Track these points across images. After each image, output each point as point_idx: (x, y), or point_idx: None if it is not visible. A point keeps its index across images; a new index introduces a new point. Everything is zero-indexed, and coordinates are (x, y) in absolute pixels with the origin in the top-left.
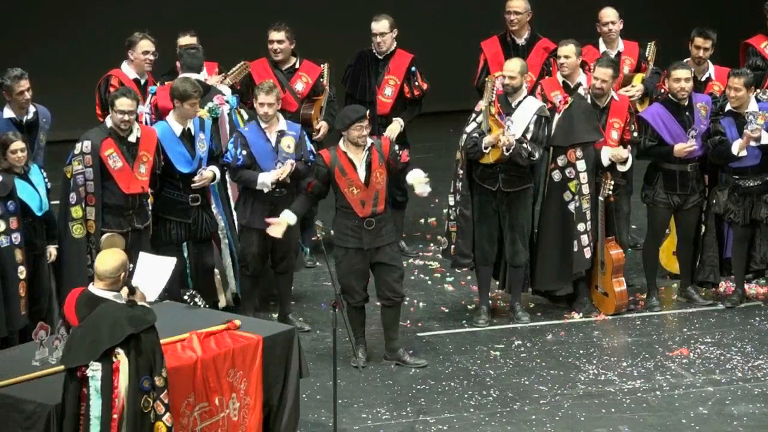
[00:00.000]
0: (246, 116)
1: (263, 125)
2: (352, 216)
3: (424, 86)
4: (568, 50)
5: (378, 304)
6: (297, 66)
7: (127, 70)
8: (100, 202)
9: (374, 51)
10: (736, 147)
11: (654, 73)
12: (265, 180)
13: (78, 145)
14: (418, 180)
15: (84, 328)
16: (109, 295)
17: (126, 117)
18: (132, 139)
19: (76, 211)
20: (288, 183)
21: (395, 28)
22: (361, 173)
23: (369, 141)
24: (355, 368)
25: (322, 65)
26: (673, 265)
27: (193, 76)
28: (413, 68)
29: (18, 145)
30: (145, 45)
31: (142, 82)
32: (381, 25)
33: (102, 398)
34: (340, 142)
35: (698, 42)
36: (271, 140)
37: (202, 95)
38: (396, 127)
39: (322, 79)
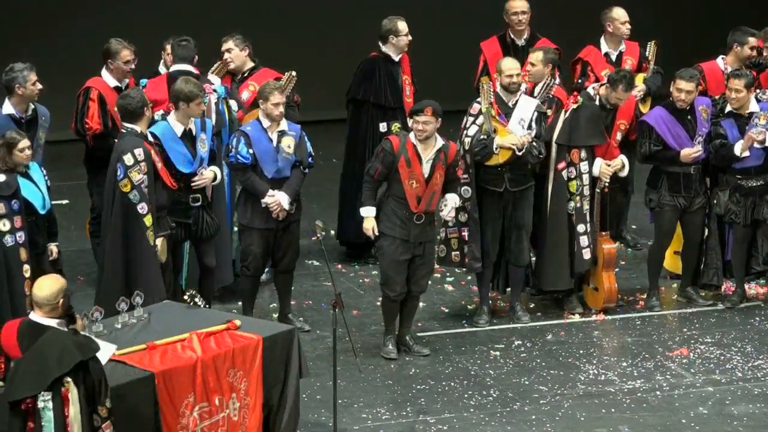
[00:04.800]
0: (235, 107)
1: (266, 125)
2: (404, 207)
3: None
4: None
5: (378, 303)
6: (247, 75)
7: (108, 78)
8: (155, 207)
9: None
10: (738, 148)
11: (655, 72)
12: (266, 200)
13: (128, 157)
14: (453, 202)
15: (29, 358)
16: (53, 322)
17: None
18: (150, 138)
19: (149, 220)
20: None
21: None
22: (426, 169)
23: (441, 142)
24: (356, 368)
25: (286, 73)
26: (674, 266)
27: (184, 67)
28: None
29: (25, 143)
30: (126, 55)
31: (123, 87)
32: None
33: (55, 429)
34: (411, 133)
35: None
36: (273, 140)
37: None
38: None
39: None
